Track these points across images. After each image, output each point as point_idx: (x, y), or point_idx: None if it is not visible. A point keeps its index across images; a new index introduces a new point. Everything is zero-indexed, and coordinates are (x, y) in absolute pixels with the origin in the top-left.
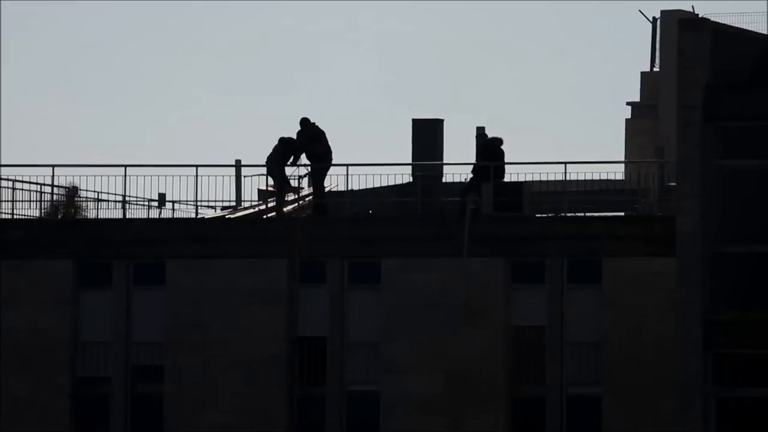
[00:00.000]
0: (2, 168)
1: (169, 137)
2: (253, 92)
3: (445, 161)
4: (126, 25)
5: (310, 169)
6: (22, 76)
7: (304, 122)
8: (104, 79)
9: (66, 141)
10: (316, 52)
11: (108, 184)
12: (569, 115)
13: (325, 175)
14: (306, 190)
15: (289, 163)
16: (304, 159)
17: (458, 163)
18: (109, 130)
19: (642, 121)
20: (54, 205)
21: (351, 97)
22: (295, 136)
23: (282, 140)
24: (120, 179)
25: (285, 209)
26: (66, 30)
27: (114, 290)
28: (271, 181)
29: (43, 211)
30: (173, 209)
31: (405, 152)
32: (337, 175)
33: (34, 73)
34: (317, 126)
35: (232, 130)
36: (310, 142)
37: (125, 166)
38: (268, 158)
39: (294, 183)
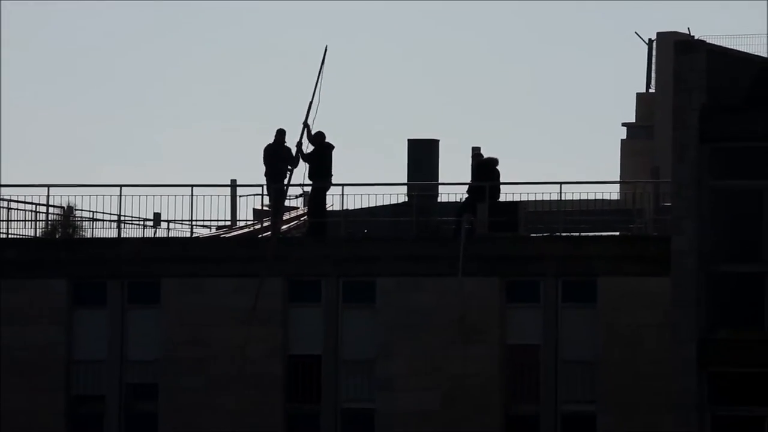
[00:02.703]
0: None
1: (164, 157)
2: (248, 111)
3: (440, 181)
4: (123, 44)
5: (306, 189)
6: (16, 95)
7: (315, 134)
8: (100, 97)
9: (61, 161)
10: (313, 70)
11: (103, 203)
12: (565, 136)
13: (324, 196)
14: (301, 209)
15: (289, 168)
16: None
17: (453, 182)
18: (105, 149)
19: (637, 141)
20: (52, 225)
21: (347, 117)
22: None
23: (279, 131)
24: (115, 199)
25: (281, 228)
26: (60, 48)
27: (109, 309)
28: (266, 201)
29: (38, 230)
30: (168, 229)
31: (400, 172)
32: (333, 194)
33: (28, 91)
34: (321, 143)
35: (228, 150)
36: (307, 155)
37: (120, 186)
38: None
39: (291, 202)
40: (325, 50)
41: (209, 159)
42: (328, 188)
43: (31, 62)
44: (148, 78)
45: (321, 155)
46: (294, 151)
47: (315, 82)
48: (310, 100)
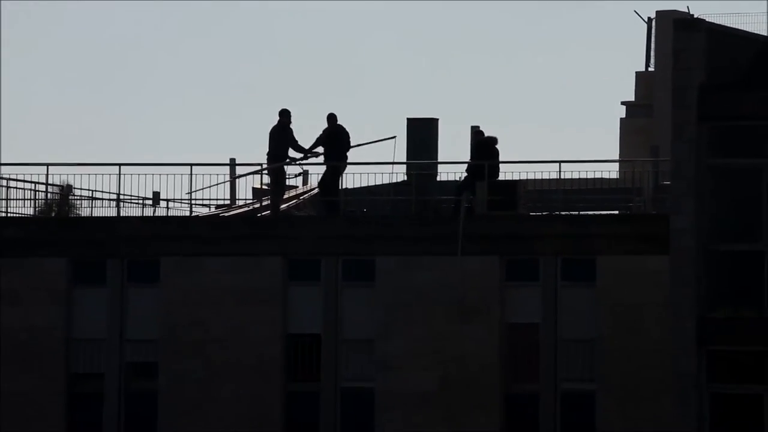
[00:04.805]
0: None
1: (163, 135)
2: (248, 91)
3: (439, 160)
4: (121, 23)
5: (305, 169)
6: (15, 76)
7: (327, 116)
8: (99, 77)
9: (60, 140)
10: (311, 50)
11: (102, 182)
12: (564, 114)
13: (337, 174)
14: (301, 188)
15: (292, 155)
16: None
17: (453, 161)
18: (104, 128)
19: (636, 120)
20: (48, 204)
21: (346, 96)
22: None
23: (282, 111)
24: (114, 178)
25: (281, 207)
26: (60, 29)
27: (108, 288)
28: (266, 179)
29: (37, 209)
30: (167, 207)
31: (400, 151)
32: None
33: (27, 72)
34: (332, 124)
35: (227, 129)
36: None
37: (119, 164)
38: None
39: (290, 181)
40: (395, 140)
41: (209, 137)
42: (343, 168)
43: (30, 44)
44: (149, 56)
45: (334, 136)
46: (303, 147)
47: (367, 142)
48: (354, 144)
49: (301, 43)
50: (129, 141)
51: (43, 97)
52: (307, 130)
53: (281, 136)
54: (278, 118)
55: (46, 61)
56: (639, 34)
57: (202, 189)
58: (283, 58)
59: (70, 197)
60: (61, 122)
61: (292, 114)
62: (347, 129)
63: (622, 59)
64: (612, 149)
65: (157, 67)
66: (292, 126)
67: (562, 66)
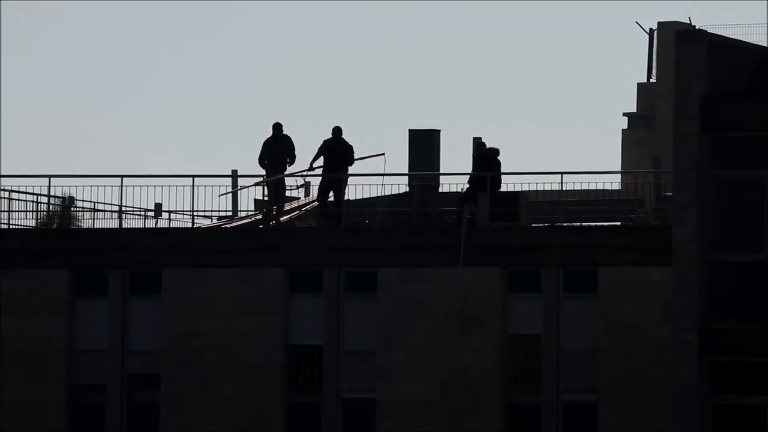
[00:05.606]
0: None
1: (163, 135)
2: (247, 91)
3: (441, 171)
4: (121, 23)
5: (307, 180)
6: (15, 76)
7: (332, 129)
8: (99, 77)
9: (59, 139)
10: (311, 50)
11: (104, 194)
12: (566, 125)
13: (330, 186)
14: (303, 199)
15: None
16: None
17: (454, 173)
18: (104, 128)
19: (639, 131)
20: (50, 215)
21: (346, 95)
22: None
23: (275, 125)
24: (116, 189)
25: (281, 218)
26: (60, 29)
27: (110, 299)
28: (266, 191)
29: (39, 221)
30: (169, 219)
31: (401, 162)
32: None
33: (27, 72)
34: (335, 136)
35: (227, 129)
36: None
37: (121, 176)
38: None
39: (291, 192)
40: (384, 157)
41: (211, 149)
42: (344, 180)
43: (30, 54)
44: (151, 66)
45: (333, 148)
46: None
47: (363, 157)
48: (358, 157)
49: (301, 43)
50: (129, 141)
51: (42, 98)
52: (305, 134)
53: (273, 147)
54: (272, 132)
55: (46, 62)
56: (641, 45)
57: (224, 199)
58: (283, 58)
59: (72, 209)
60: (61, 122)
61: (283, 125)
62: (350, 144)
63: (623, 70)
64: (614, 160)
65: (157, 67)
66: (289, 135)
67: (564, 77)
